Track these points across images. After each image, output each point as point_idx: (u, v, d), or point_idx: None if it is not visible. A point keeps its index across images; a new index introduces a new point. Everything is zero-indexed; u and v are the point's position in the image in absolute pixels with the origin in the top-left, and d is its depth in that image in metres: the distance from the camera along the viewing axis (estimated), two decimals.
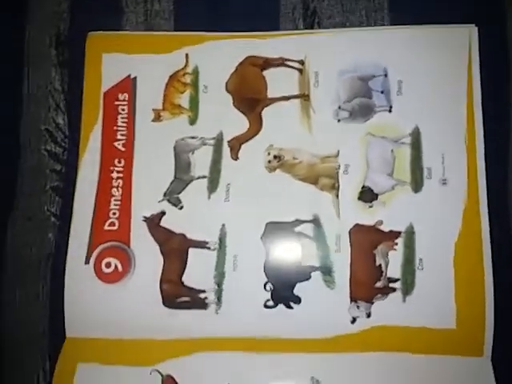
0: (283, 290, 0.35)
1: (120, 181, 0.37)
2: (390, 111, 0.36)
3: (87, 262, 0.36)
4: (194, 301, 0.36)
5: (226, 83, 0.38)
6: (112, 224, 0.37)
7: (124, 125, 0.38)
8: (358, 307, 0.35)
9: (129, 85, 0.38)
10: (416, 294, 0.35)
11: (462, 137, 0.35)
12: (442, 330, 0.34)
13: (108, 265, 0.36)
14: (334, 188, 0.36)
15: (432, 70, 0.36)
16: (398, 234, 0.35)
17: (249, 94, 0.38)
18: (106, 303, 0.36)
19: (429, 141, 0.36)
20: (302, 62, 0.37)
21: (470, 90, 0.36)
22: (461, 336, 0.34)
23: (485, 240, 0.34)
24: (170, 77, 0.38)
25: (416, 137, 0.36)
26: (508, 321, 0.34)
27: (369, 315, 0.35)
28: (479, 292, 0.34)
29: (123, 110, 0.38)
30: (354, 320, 0.35)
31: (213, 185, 0.37)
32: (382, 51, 0.36)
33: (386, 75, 0.36)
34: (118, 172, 0.37)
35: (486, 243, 0.34)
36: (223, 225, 0.36)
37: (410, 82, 0.36)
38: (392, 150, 0.36)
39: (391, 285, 0.35)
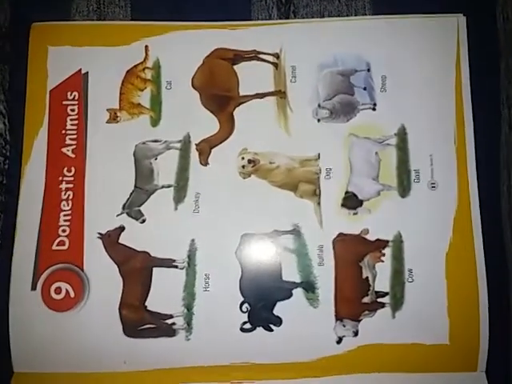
0: (262, 310, 0.33)
1: (70, 192, 0.34)
2: (373, 109, 0.34)
3: (34, 287, 0.33)
4: (160, 328, 0.33)
5: (192, 79, 0.34)
6: (61, 243, 0.33)
7: (74, 128, 0.34)
8: (344, 326, 0.32)
9: (79, 81, 0.34)
10: (406, 308, 0.32)
11: (451, 136, 0.33)
12: (435, 346, 0.32)
13: (58, 290, 0.33)
14: (315, 194, 0.33)
15: (418, 63, 0.34)
16: (385, 244, 0.33)
17: (218, 90, 0.34)
18: (57, 334, 0.33)
19: (416, 141, 0.34)
20: (277, 56, 0.34)
21: (458, 84, 0.34)
22: (454, 351, 0.32)
23: (478, 249, 0.33)
24: (128, 72, 0.34)
25: (402, 137, 0.34)
26: (502, 332, 0.32)
27: (356, 334, 0.32)
28: (473, 304, 0.32)
29: (73, 110, 0.34)
30: (340, 340, 0.32)
31: (180, 194, 0.33)
32: (364, 44, 0.34)
33: (368, 70, 0.34)
34: (67, 182, 0.34)
35: (480, 252, 0.33)
36: (192, 240, 0.33)
37: (394, 78, 0.34)
38: (376, 152, 0.34)
39: (379, 300, 0.33)
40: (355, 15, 0.34)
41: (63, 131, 0.34)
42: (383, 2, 0.34)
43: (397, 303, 0.32)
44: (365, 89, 0.34)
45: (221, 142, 0.34)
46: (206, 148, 0.34)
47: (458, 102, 0.33)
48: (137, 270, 0.33)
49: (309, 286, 0.32)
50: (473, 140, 0.33)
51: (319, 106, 0.34)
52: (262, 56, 0.34)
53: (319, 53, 0.34)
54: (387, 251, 0.33)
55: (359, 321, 0.32)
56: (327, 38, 0.34)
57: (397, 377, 0.32)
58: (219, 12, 0.34)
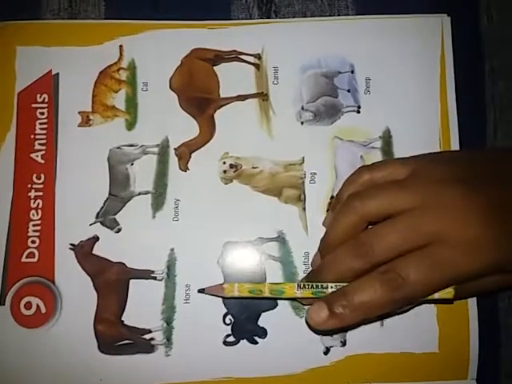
0: (246, 322, 0.31)
1: (40, 201, 0.32)
2: (358, 112, 0.33)
3: (2, 302, 0.31)
4: (138, 343, 0.31)
5: (170, 80, 0.33)
6: (31, 255, 0.31)
7: (44, 132, 0.33)
8: (331, 335, 0.31)
9: (49, 83, 0.33)
10: (394, 316, 0.31)
11: (436, 139, 0.33)
12: (424, 355, 0.31)
13: (28, 306, 0.31)
14: (300, 200, 0.32)
15: (402, 64, 0.33)
16: None
17: (198, 92, 0.33)
18: (27, 352, 0.31)
19: (401, 144, 0.33)
20: (258, 56, 0.33)
21: (443, 86, 0.33)
22: (444, 359, 0.31)
23: None
24: (101, 73, 0.33)
25: (387, 140, 0.33)
26: (492, 339, 0.32)
27: (344, 344, 0.31)
28: (462, 310, 0.31)
29: (42, 113, 0.33)
30: (327, 350, 0.31)
31: (158, 201, 0.32)
32: (348, 45, 0.33)
33: (352, 72, 0.33)
34: (36, 190, 0.32)
35: None
36: (172, 249, 0.32)
37: (378, 79, 0.33)
38: (361, 156, 0.33)
39: None
40: (338, 15, 0.34)
41: (32, 136, 0.33)
42: (366, 2, 0.33)
43: None
44: (349, 91, 0.33)
45: (201, 146, 0.33)
46: (186, 152, 0.32)
47: (443, 104, 0.33)
48: (112, 282, 0.31)
49: None
50: (458, 143, 0.32)
51: (303, 108, 0.33)
52: (242, 57, 0.33)
53: (302, 53, 0.33)
54: None
55: (347, 330, 0.31)
56: (310, 39, 0.33)
57: None
58: (197, 11, 0.33)
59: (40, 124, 0.33)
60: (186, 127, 0.33)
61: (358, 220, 0.27)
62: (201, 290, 0.30)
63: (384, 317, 0.31)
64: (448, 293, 0.26)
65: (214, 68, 0.33)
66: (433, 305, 0.31)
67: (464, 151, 0.32)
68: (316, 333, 0.31)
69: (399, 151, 0.32)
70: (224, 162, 0.32)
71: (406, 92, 0.33)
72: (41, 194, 0.32)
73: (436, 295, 0.26)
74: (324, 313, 0.26)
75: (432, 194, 0.25)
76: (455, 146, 0.32)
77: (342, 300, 0.25)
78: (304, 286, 0.27)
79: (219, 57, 0.33)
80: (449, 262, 0.24)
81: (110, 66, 0.33)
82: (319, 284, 0.27)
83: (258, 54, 0.33)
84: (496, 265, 0.25)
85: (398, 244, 0.25)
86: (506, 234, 0.25)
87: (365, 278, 0.25)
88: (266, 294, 0.28)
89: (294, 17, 0.34)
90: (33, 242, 0.31)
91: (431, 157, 0.29)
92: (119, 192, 0.32)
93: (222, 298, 0.30)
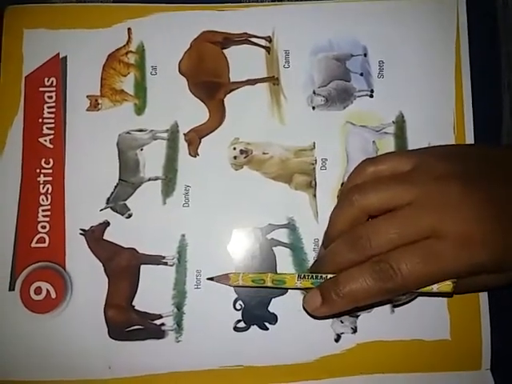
0: (256, 307, 0.33)
1: (49, 186, 0.33)
2: (371, 96, 0.34)
3: (12, 287, 0.32)
4: (148, 329, 0.32)
5: (179, 63, 0.34)
6: (41, 240, 0.33)
7: (52, 116, 0.34)
8: (341, 322, 0.33)
9: (57, 66, 0.34)
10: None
11: (450, 123, 0.34)
12: (436, 342, 0.32)
13: (38, 291, 0.32)
14: (311, 186, 0.33)
15: (416, 47, 0.34)
16: None
17: (207, 76, 0.34)
18: (36, 337, 0.32)
19: (414, 129, 0.34)
20: (269, 39, 0.34)
21: (458, 70, 0.34)
22: (457, 347, 0.32)
23: None
24: (109, 56, 0.34)
25: (400, 125, 0.34)
26: (507, 326, 0.32)
27: (354, 330, 0.33)
28: (473, 296, 0.32)
29: (50, 97, 0.34)
30: (338, 337, 0.32)
31: (168, 187, 0.33)
32: (361, 27, 0.34)
33: (365, 55, 0.34)
34: (45, 175, 0.33)
35: None
36: (182, 235, 0.33)
37: (392, 63, 0.34)
38: (374, 141, 0.34)
39: None
40: None
41: (40, 120, 0.34)
42: None
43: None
44: (361, 74, 0.34)
45: (211, 132, 0.34)
46: (196, 138, 0.33)
47: (458, 89, 0.34)
48: (123, 267, 0.32)
49: None
50: (472, 128, 0.33)
51: (314, 92, 0.34)
52: (253, 39, 0.34)
53: (313, 36, 0.34)
54: None
55: (357, 316, 0.32)
56: (321, 21, 0.34)
57: (399, 378, 0.32)
58: None
59: (48, 108, 0.34)
60: (195, 112, 0.34)
61: (358, 213, 0.27)
62: (210, 278, 0.32)
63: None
64: (446, 286, 0.27)
65: (224, 51, 0.34)
66: None
67: (472, 146, 0.32)
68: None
69: (413, 136, 0.33)
70: (234, 148, 0.34)
71: (420, 76, 0.34)
72: (50, 178, 0.33)
73: (435, 288, 0.27)
74: (318, 300, 0.27)
75: (431, 189, 0.26)
76: (469, 131, 0.33)
77: (334, 288, 0.27)
78: (304, 276, 0.29)
79: (229, 39, 0.34)
80: (441, 256, 0.25)
81: (118, 50, 0.34)
82: (318, 275, 0.29)
83: (269, 37, 0.34)
84: (490, 262, 0.25)
85: (395, 238, 0.26)
86: (501, 231, 0.25)
87: (357, 268, 0.26)
88: (268, 284, 0.30)
89: None
90: (43, 227, 0.33)
91: (436, 151, 0.29)
92: (129, 177, 0.33)
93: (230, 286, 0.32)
